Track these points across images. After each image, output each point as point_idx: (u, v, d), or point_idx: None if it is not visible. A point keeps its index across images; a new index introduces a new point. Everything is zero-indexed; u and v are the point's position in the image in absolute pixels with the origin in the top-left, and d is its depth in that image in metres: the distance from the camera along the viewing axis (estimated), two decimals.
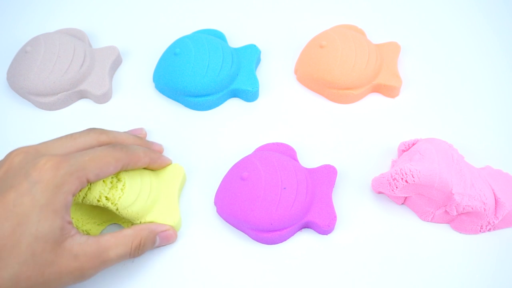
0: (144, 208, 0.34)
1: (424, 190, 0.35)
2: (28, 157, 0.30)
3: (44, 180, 0.29)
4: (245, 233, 0.36)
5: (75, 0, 0.52)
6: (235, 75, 0.43)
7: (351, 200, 0.38)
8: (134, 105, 0.44)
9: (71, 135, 0.33)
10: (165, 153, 0.40)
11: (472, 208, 0.34)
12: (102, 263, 0.30)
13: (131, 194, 0.34)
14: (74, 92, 0.43)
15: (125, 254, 0.32)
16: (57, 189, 0.29)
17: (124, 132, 0.38)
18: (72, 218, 0.34)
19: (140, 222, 0.35)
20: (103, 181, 0.33)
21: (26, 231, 0.28)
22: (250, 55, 0.45)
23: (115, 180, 0.34)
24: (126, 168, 0.34)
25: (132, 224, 0.35)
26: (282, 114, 0.43)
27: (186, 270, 0.35)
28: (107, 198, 0.33)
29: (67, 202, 0.29)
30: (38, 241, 0.28)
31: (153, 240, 0.34)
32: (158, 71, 0.44)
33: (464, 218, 0.36)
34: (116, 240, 0.31)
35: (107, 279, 0.34)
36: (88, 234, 0.35)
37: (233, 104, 0.44)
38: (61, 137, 0.33)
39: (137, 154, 0.34)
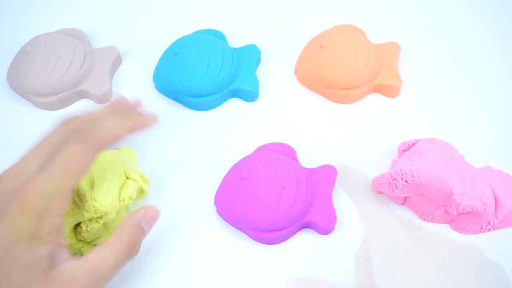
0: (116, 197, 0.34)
1: (424, 190, 0.35)
2: (11, 182, 0.29)
3: (25, 211, 0.28)
4: (245, 233, 0.36)
5: (75, 0, 0.52)
6: (235, 75, 0.43)
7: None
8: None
9: (46, 138, 0.31)
10: (164, 153, 0.40)
11: (472, 208, 0.34)
12: (98, 281, 0.29)
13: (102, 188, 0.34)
14: (74, 92, 0.43)
15: (119, 260, 0.30)
16: (39, 217, 0.28)
17: (99, 107, 0.35)
18: (67, 237, 0.34)
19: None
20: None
21: (14, 262, 0.27)
22: (250, 55, 0.44)
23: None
24: (104, 148, 0.32)
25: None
26: (282, 114, 0.43)
27: (186, 270, 0.35)
28: (94, 199, 0.33)
29: (55, 225, 0.28)
30: (26, 271, 0.27)
31: (141, 230, 0.32)
32: (158, 71, 0.44)
33: (464, 218, 0.36)
34: (103, 251, 0.30)
35: None
36: (81, 253, 0.35)
37: (233, 104, 0.44)
38: (38, 145, 0.31)
39: (109, 132, 0.32)
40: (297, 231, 0.36)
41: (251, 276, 0.35)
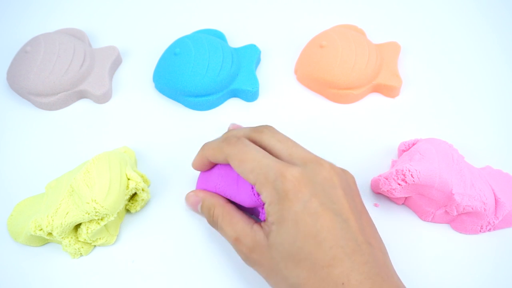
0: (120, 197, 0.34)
1: (424, 190, 0.35)
2: None
3: None
4: None
5: (75, 0, 0.52)
6: (235, 75, 0.43)
7: None
8: (134, 105, 0.44)
9: None
10: (164, 153, 0.40)
11: (472, 208, 0.34)
12: None
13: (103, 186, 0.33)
14: (74, 92, 0.43)
15: None
16: None
17: None
18: (67, 237, 0.34)
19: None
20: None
21: None
22: (250, 55, 0.45)
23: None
24: None
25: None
26: (282, 114, 0.43)
27: (185, 270, 0.35)
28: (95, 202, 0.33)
29: None
30: None
31: None
32: (158, 71, 0.44)
33: (464, 218, 0.36)
34: None
35: (101, 283, 0.34)
36: (81, 253, 0.35)
37: (233, 104, 0.44)
38: None
39: None
40: None
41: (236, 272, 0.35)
